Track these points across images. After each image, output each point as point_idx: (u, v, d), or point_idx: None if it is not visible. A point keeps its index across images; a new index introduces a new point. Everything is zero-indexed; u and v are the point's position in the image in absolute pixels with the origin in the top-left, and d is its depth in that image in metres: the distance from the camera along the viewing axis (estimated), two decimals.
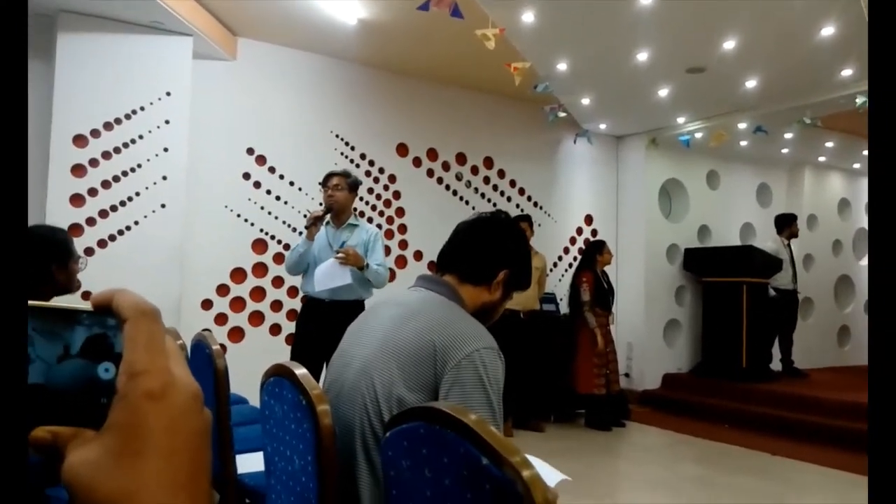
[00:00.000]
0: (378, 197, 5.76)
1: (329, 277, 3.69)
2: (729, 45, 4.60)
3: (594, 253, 5.93)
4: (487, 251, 1.58)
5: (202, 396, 0.44)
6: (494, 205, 6.45)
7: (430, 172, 6.08)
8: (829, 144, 7.29)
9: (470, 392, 1.28)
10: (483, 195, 6.40)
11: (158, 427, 0.40)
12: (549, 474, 1.57)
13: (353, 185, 3.90)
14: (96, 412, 0.41)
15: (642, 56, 4.85)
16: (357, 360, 1.40)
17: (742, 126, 6.33)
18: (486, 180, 6.43)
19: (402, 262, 5.89)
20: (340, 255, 3.65)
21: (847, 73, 5.05)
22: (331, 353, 3.90)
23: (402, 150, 5.92)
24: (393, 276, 5.81)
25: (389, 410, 1.30)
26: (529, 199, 6.72)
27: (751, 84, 5.38)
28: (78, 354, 0.43)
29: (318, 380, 1.46)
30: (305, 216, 4.31)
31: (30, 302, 0.43)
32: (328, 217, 3.84)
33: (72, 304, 0.44)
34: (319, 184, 3.95)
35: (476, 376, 1.29)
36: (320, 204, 4.21)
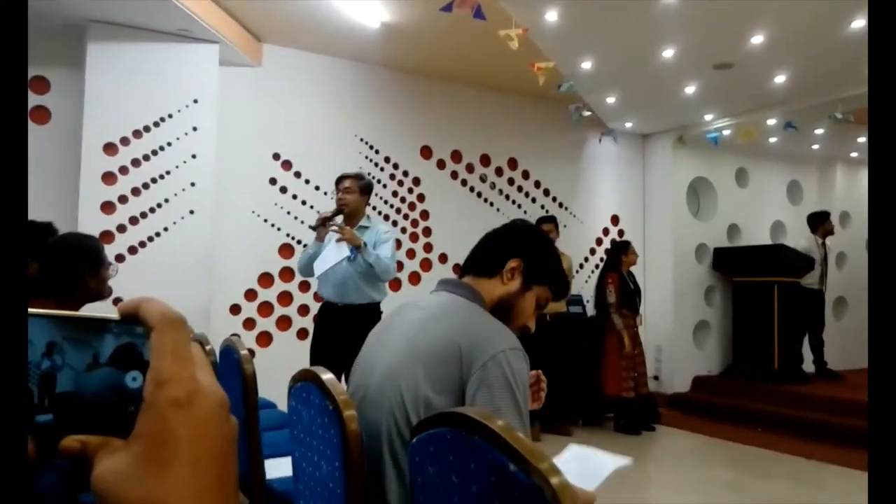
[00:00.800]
0: (402, 200, 5.77)
1: (326, 258, 3.70)
2: (757, 39, 4.52)
3: (619, 253, 5.88)
4: (497, 243, 1.62)
5: (228, 404, 0.44)
6: (519, 206, 6.42)
7: (455, 174, 6.08)
8: (862, 140, 7.13)
9: (497, 394, 1.27)
10: (507, 196, 6.37)
11: (185, 435, 0.40)
12: (606, 462, 1.52)
13: (366, 188, 3.88)
14: (124, 421, 0.42)
15: (668, 53, 4.79)
16: (381, 365, 1.40)
17: (771, 122, 6.22)
18: (511, 181, 6.41)
19: (427, 265, 5.89)
20: (335, 228, 3.65)
21: None
22: (346, 357, 3.91)
23: (426, 152, 5.92)
24: (417, 278, 5.82)
25: (417, 414, 1.29)
26: (554, 199, 6.68)
27: (779, 79, 5.28)
28: (106, 363, 0.43)
29: None
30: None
31: (59, 311, 0.43)
32: (338, 218, 3.81)
33: (100, 314, 0.44)
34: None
35: (503, 378, 1.28)
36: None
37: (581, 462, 1.57)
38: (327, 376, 1.30)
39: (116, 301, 4.21)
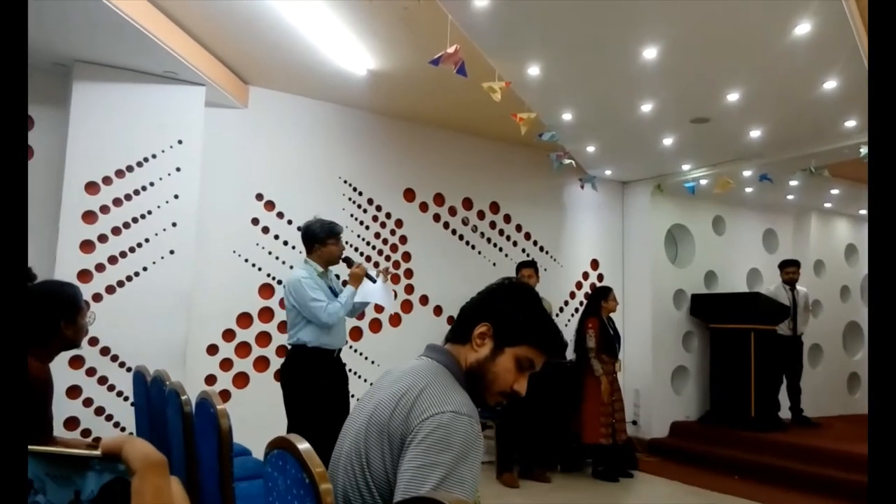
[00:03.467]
0: (385, 242, 5.79)
1: (374, 294, 3.86)
2: (733, 97, 4.66)
3: (599, 299, 5.93)
4: (469, 308, 1.58)
5: None
6: (500, 249, 6.47)
7: (437, 217, 6.12)
8: (835, 192, 7.31)
9: (421, 451, 1.23)
10: (489, 240, 6.42)
11: None
12: None
13: None
14: None
15: (647, 107, 4.91)
16: (352, 431, 1.42)
17: (747, 174, 6.37)
18: (493, 225, 6.47)
19: (407, 306, 5.89)
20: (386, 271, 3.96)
21: (851, 124, 5.10)
22: (339, 406, 3.89)
23: (409, 195, 5.97)
24: (398, 320, 5.82)
25: (364, 479, 1.32)
26: (535, 243, 6.74)
27: (755, 134, 5.43)
28: (88, 501, 0.44)
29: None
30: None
31: (42, 448, 0.44)
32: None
33: (83, 451, 0.46)
34: (334, 233, 3.87)
35: (431, 437, 1.25)
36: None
37: None
38: (304, 446, 1.30)
39: (92, 341, 4.17)
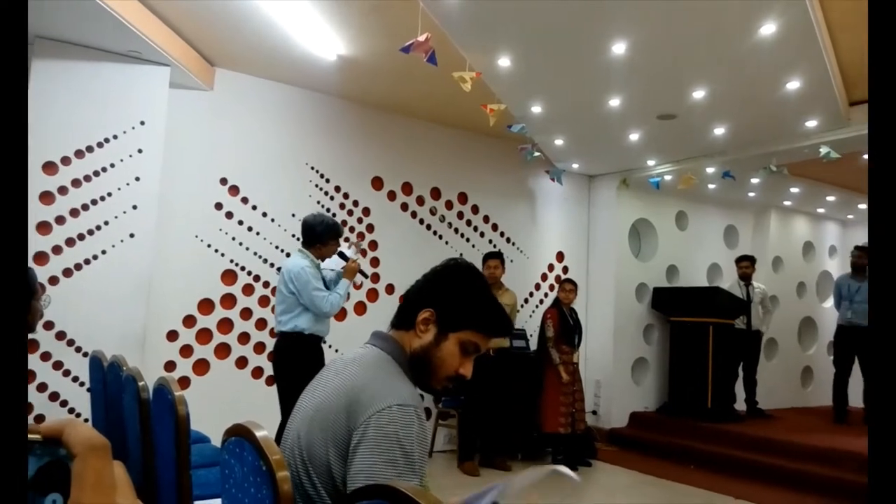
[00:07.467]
0: (352, 230, 5.75)
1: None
2: (699, 94, 4.73)
3: (558, 290, 6.06)
4: (413, 294, 1.56)
5: None
6: (467, 240, 6.49)
7: (405, 206, 6.11)
8: (795, 190, 7.49)
9: (374, 449, 1.24)
10: (456, 230, 6.43)
11: None
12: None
13: None
14: None
15: (615, 102, 4.96)
16: (297, 419, 1.43)
17: (710, 170, 6.48)
18: (460, 215, 6.47)
19: (373, 295, 5.87)
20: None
21: (812, 124, 5.22)
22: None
23: (376, 183, 5.94)
24: (363, 308, 5.80)
25: (304, 466, 1.33)
26: (502, 234, 6.78)
27: (719, 131, 5.52)
28: (27, 485, 0.43)
29: None
30: (281, 248, 4.35)
31: None
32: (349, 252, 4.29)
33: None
34: (337, 235, 4.10)
35: (381, 433, 1.26)
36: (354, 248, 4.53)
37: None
38: (261, 433, 1.29)
39: (48, 325, 4.07)
